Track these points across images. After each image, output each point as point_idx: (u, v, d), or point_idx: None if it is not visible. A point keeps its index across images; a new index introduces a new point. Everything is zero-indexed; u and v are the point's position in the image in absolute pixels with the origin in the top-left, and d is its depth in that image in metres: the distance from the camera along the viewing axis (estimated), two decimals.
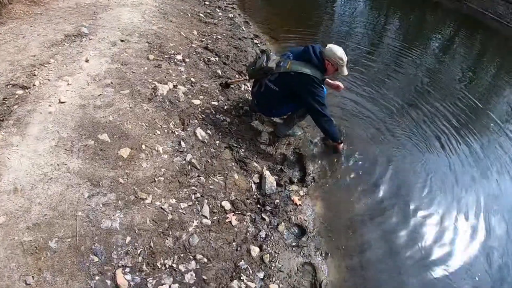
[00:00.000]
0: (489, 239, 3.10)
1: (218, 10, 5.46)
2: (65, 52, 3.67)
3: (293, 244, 2.71)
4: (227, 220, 2.66)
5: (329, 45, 3.09)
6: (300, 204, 2.98)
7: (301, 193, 3.07)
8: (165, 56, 3.88)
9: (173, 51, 3.98)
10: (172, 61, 3.83)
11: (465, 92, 5.26)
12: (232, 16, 5.40)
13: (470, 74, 5.87)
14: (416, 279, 2.70)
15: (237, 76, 3.83)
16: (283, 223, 2.80)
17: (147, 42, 4.05)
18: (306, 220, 2.89)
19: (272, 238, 2.69)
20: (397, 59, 5.88)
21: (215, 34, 4.66)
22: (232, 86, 3.78)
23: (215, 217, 2.65)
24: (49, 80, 3.31)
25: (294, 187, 3.08)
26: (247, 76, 3.53)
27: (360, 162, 3.56)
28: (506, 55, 6.83)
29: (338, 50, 3.04)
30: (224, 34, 4.76)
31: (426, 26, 7.49)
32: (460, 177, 3.63)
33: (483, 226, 3.19)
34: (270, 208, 2.86)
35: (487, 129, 4.60)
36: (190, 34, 4.48)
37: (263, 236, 2.68)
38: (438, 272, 2.77)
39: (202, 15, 5.06)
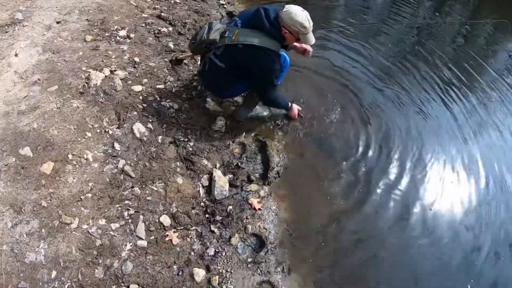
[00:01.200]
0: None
1: None
2: None
3: (249, 259, 2.21)
4: (166, 239, 2.19)
5: (287, 7, 2.33)
6: (260, 208, 2.41)
7: (262, 193, 2.48)
8: (106, 34, 3.24)
9: (116, 27, 3.32)
10: (113, 39, 3.19)
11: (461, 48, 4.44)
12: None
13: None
14: None
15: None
16: (237, 235, 2.28)
17: (86, 19, 3.41)
18: (266, 229, 2.35)
19: (223, 254, 2.19)
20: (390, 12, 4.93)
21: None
22: (185, 61, 3.09)
23: (152, 237, 2.18)
24: None
25: (253, 187, 2.49)
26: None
27: (337, 145, 2.93)
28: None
29: (298, 14, 2.28)
30: None
31: None
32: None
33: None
34: (221, 217, 2.33)
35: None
36: (142, 1, 3.76)
37: (212, 253, 2.19)
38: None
39: None
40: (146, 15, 3.55)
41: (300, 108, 2.97)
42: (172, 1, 3.82)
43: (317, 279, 2.20)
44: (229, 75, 2.50)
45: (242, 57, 2.36)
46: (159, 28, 3.40)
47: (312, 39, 2.36)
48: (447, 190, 2.77)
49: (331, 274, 2.23)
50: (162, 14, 3.56)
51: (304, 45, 2.72)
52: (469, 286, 2.29)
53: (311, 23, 2.32)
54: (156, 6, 3.71)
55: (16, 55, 3.05)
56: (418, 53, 4.13)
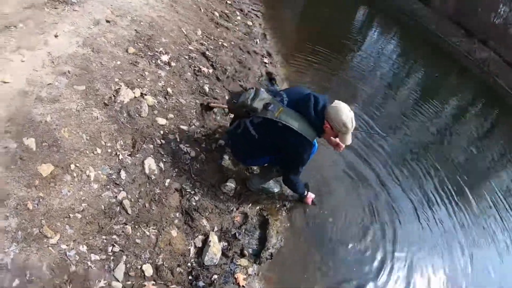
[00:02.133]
0: None
1: (238, 13, 4.72)
2: (40, 19, 3.05)
3: None
4: None
5: (336, 102, 2.39)
6: (243, 286, 2.34)
7: (250, 271, 2.43)
8: (149, 53, 3.21)
9: (161, 49, 3.30)
10: (153, 61, 3.16)
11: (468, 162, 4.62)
12: (251, 24, 4.66)
13: (476, 147, 5.10)
14: None
15: (227, 98, 3.10)
16: None
17: (135, 30, 3.37)
18: None
19: None
20: (408, 110, 5.15)
21: (221, 40, 3.95)
22: (215, 110, 3.06)
23: (129, 282, 2.05)
24: (5, 49, 2.68)
25: (243, 262, 2.44)
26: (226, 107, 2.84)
27: (340, 246, 2.90)
28: None
29: (345, 113, 2.33)
30: (233, 43, 4.04)
31: (447, 87, 6.56)
32: None
33: None
34: (203, 284, 2.25)
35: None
36: (192, 32, 3.80)
37: None
38: None
39: (217, 14, 4.35)
40: (192, 48, 3.57)
41: (314, 196, 2.99)
42: (220, 42, 3.87)
43: None
44: (259, 146, 2.51)
45: (278, 135, 2.38)
46: (200, 67, 3.41)
47: (349, 139, 2.41)
48: None
49: None
50: (207, 52, 3.59)
51: (338, 140, 2.74)
52: None
53: (354, 125, 2.37)
54: (204, 43, 3.74)
55: (56, 36, 2.95)
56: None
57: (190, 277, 2.23)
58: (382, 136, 4.00)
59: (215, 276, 2.28)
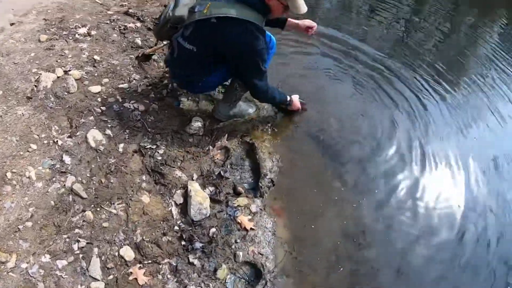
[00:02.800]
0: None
1: None
2: None
3: None
4: (130, 278, 1.64)
5: None
6: (252, 228, 1.87)
7: (254, 208, 1.93)
8: (64, 33, 2.77)
9: (76, 24, 2.84)
10: (71, 38, 2.71)
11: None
12: None
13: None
14: None
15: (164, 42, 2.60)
16: (224, 266, 1.73)
17: (44, 19, 2.94)
18: (262, 254, 1.81)
19: None
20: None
21: None
22: (154, 57, 2.60)
23: (111, 276, 1.65)
24: None
25: (241, 201, 1.94)
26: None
27: (341, 141, 2.45)
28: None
29: None
30: None
31: None
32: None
33: None
34: (201, 244, 1.79)
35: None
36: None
37: None
38: None
39: None
40: (111, 12, 3.10)
41: (300, 98, 2.48)
42: None
43: None
44: (202, 60, 2.01)
45: (217, 35, 1.87)
46: (126, 24, 2.93)
47: (303, 6, 1.88)
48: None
49: None
50: (130, 10, 3.11)
51: (306, 21, 2.30)
52: None
53: None
54: (124, 3, 3.26)
55: None
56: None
57: (183, 243, 1.78)
58: None
59: (213, 230, 1.82)
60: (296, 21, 2.34)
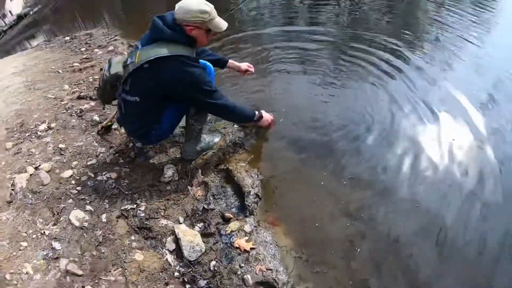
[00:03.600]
0: None
1: (97, 50, 4.42)
2: None
3: None
4: None
5: (177, 5, 1.96)
6: (252, 248, 1.84)
7: (247, 228, 1.93)
8: (26, 135, 2.85)
9: (36, 123, 2.95)
10: (34, 136, 2.80)
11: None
12: (113, 48, 4.35)
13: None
14: None
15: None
16: None
17: (5, 129, 3.04)
18: (271, 269, 1.77)
19: None
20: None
21: (91, 77, 3.63)
22: (113, 126, 2.69)
23: None
24: None
25: (233, 226, 1.95)
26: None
27: (313, 135, 2.50)
28: None
29: (192, 3, 1.92)
30: None
31: None
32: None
33: None
34: (205, 281, 1.75)
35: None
36: (60, 91, 3.47)
37: None
38: None
39: (77, 64, 4.04)
40: (65, 102, 3.23)
41: (271, 116, 2.50)
42: (91, 79, 3.54)
43: None
44: (148, 108, 2.05)
45: (153, 79, 1.94)
46: (80, 107, 3.05)
47: (222, 23, 2.01)
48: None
49: (380, 279, 1.69)
50: (81, 94, 3.25)
51: (245, 65, 2.53)
52: None
53: (211, 6, 1.96)
54: (75, 90, 3.41)
55: None
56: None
57: (187, 286, 1.77)
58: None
59: (213, 263, 1.81)
60: (237, 64, 2.53)
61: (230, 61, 2.55)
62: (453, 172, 2.17)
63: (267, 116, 2.41)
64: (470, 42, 3.62)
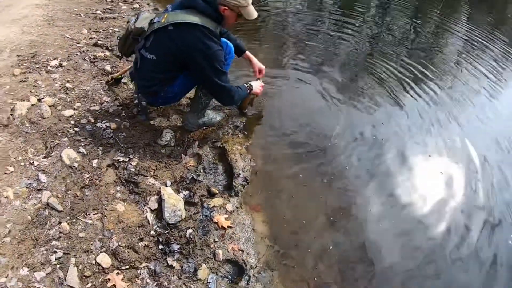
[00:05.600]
0: None
1: (122, 4, 4.42)
2: None
3: None
4: (108, 285, 1.64)
5: None
6: (229, 226, 1.91)
7: (230, 207, 2.00)
8: (37, 66, 2.87)
9: (48, 57, 2.96)
10: (43, 70, 2.81)
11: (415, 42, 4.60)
12: (139, 6, 4.36)
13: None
14: None
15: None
16: (204, 266, 1.75)
17: (17, 55, 3.04)
18: (242, 250, 1.84)
19: None
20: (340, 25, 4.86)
21: (111, 28, 3.65)
22: (123, 80, 2.73)
23: (89, 284, 1.64)
24: None
25: (216, 201, 2.00)
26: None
27: (310, 136, 2.60)
28: None
29: None
30: (124, 26, 3.73)
31: None
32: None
33: None
34: (179, 246, 1.81)
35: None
36: (78, 34, 3.48)
37: None
38: None
39: (100, 12, 4.05)
40: (81, 45, 3.24)
41: (261, 83, 2.57)
42: (111, 30, 3.55)
43: None
44: (163, 69, 2.10)
45: (174, 41, 1.98)
46: (95, 54, 3.07)
47: (254, 12, 2.07)
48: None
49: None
50: (99, 42, 3.26)
51: (259, 65, 2.55)
52: None
53: None
54: (93, 36, 3.42)
55: None
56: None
57: (160, 247, 1.81)
58: None
59: (190, 231, 1.86)
60: (253, 58, 2.56)
61: (247, 52, 2.58)
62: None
63: (256, 85, 2.50)
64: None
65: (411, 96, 3.33)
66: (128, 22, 2.15)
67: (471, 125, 3.10)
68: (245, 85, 2.40)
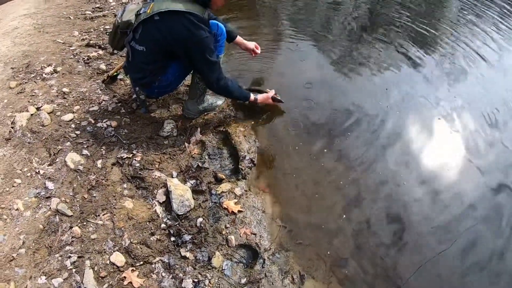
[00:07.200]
0: None
1: (111, 1, 4.32)
2: None
3: (243, 280, 1.64)
4: (125, 283, 1.63)
5: None
6: (239, 211, 1.86)
7: (238, 191, 1.94)
8: (32, 76, 2.84)
9: (42, 65, 2.92)
10: (38, 78, 2.78)
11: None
12: (127, 0, 4.26)
13: None
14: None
15: None
16: (218, 253, 1.72)
17: (11, 68, 3.02)
18: (255, 234, 1.80)
19: (207, 283, 1.62)
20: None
21: (102, 26, 3.57)
22: (119, 76, 2.67)
23: (106, 285, 1.64)
24: None
25: (224, 186, 1.95)
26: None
27: (315, 115, 2.47)
28: None
29: None
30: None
31: None
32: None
33: None
34: (190, 236, 1.77)
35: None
36: (69, 37, 3.42)
37: (190, 287, 1.61)
38: None
39: (89, 12, 3.97)
40: (74, 48, 3.19)
41: (273, 92, 2.46)
42: (102, 29, 3.48)
43: (343, 278, 1.64)
44: (154, 59, 2.04)
45: (161, 30, 1.92)
46: (88, 55, 3.02)
47: None
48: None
49: (359, 265, 1.69)
50: (91, 42, 3.20)
51: (252, 44, 2.50)
52: None
53: None
54: (85, 37, 3.36)
55: None
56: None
57: (172, 239, 1.78)
58: None
59: (200, 220, 1.83)
60: (245, 42, 2.52)
61: (238, 37, 2.52)
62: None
63: (265, 97, 2.40)
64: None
65: (416, 59, 3.16)
66: (115, 16, 2.07)
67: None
68: (250, 94, 2.31)
